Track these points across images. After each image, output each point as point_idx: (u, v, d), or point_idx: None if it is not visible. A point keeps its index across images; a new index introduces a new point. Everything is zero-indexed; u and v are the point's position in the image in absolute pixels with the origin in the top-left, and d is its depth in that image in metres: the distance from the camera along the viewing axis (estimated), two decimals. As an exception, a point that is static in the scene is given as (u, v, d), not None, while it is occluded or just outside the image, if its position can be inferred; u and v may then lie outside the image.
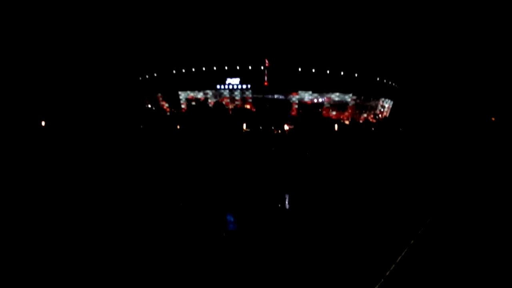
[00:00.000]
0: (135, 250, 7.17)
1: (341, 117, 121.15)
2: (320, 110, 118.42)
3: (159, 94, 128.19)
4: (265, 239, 7.91)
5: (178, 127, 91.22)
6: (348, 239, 8.01)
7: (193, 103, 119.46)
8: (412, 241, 7.02)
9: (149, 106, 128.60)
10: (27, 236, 7.59)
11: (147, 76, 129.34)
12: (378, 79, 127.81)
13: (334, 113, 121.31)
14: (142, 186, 14.78)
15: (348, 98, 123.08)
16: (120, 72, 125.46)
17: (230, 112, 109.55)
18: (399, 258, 6.03)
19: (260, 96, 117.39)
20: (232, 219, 9.99)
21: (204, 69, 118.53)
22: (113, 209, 10.69)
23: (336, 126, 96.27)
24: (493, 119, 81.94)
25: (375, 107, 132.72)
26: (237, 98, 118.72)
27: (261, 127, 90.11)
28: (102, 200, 11.96)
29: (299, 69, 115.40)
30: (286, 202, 12.19)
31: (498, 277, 5.41)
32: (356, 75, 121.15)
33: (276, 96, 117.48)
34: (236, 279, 5.80)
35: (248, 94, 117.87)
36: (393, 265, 5.70)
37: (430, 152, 33.53)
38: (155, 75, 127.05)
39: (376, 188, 14.80)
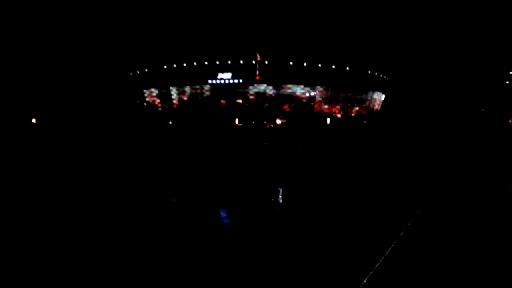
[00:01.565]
0: (127, 247, 7.19)
1: (333, 110, 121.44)
2: (312, 104, 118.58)
3: (151, 90, 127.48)
4: (257, 234, 7.95)
5: (170, 122, 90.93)
6: (338, 232, 8.08)
7: (185, 98, 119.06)
8: (401, 233, 7.11)
9: (140, 101, 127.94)
10: (18, 236, 7.58)
11: (138, 72, 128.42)
12: (369, 72, 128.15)
13: (326, 106, 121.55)
14: (135, 181, 14.75)
15: (340, 91, 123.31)
16: (111, 67, 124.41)
17: (222, 107, 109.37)
18: (388, 251, 6.11)
19: (252, 90, 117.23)
20: (225, 214, 10.03)
21: (195, 64, 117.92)
22: (105, 205, 10.67)
23: (328, 120, 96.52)
24: (482, 110, 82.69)
25: (367, 100, 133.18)
26: (230, 92, 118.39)
27: (253, 122, 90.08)
28: (94, 195, 11.93)
29: (291, 63, 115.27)
30: (280, 196, 12.24)
31: (487, 271, 5.51)
32: (347, 68, 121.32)
33: (268, 91, 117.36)
34: (229, 275, 5.84)
35: (240, 88, 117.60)
36: (383, 257, 5.78)
37: (421, 145, 33.77)
38: (146, 70, 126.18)
39: (368, 181, 14.90)
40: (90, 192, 12.65)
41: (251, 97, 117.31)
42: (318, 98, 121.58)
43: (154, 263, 6.26)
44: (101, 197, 11.92)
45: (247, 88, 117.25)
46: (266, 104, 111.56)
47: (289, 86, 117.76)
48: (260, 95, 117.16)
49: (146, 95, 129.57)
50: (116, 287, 5.24)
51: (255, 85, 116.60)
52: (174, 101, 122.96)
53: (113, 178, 15.89)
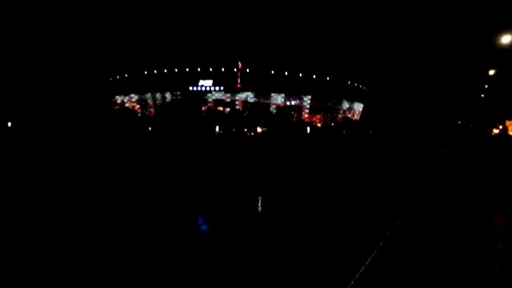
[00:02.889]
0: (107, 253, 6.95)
1: (313, 119, 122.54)
2: (292, 112, 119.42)
3: (130, 95, 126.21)
4: (237, 242, 7.79)
5: (150, 128, 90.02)
6: (320, 238, 7.98)
7: (165, 104, 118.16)
8: (384, 238, 7.06)
9: (119, 107, 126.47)
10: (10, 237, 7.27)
11: (117, 77, 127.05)
12: (349, 82, 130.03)
13: (306, 115, 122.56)
14: (110, 188, 14.41)
15: (320, 101, 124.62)
16: (90, 72, 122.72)
17: (203, 114, 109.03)
18: (374, 252, 6.04)
19: (233, 98, 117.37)
20: (204, 221, 9.82)
21: (176, 70, 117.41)
22: (82, 210, 10.36)
23: (308, 129, 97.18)
24: (459, 122, 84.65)
25: (347, 110, 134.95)
26: (209, 100, 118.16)
27: (234, 129, 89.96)
28: (71, 201, 11.59)
29: (272, 72, 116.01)
30: (259, 205, 12.10)
31: (471, 273, 5.47)
32: (327, 78, 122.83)
33: (249, 99, 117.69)
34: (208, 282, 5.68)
35: (221, 96, 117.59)
36: (369, 259, 5.69)
37: (399, 153, 34.23)
38: (126, 75, 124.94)
39: (347, 188, 14.92)
40: (62, 199, 12.28)
41: (231, 104, 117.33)
42: (298, 107, 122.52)
43: (137, 270, 6.04)
44: (75, 202, 11.58)
45: (228, 95, 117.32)
46: (247, 112, 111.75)
47: (270, 94, 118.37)
48: (241, 103, 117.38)
49: (125, 101, 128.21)
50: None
51: (236, 93, 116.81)
52: (154, 108, 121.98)
53: (90, 182, 15.51)
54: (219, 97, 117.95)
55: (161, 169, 20.81)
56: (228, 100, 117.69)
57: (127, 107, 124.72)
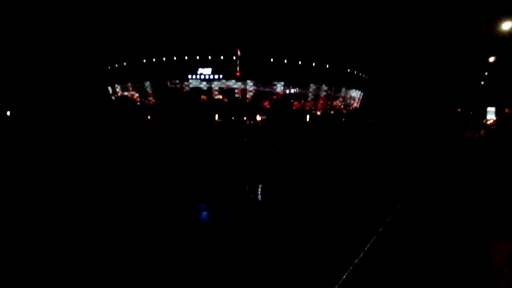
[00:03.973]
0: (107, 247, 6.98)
1: (313, 108, 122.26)
2: (292, 101, 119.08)
3: (129, 84, 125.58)
4: (237, 231, 7.82)
5: (149, 117, 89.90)
6: (317, 227, 8.02)
7: (164, 93, 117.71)
8: (380, 229, 7.08)
9: (118, 96, 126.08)
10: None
11: (116, 65, 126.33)
12: (348, 70, 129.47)
13: (305, 104, 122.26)
14: (111, 178, 14.43)
15: (320, 89, 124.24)
16: (89, 60, 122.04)
17: (202, 103, 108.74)
18: (367, 246, 6.06)
19: (233, 86, 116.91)
20: (204, 210, 9.85)
21: (175, 58, 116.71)
22: (82, 204, 10.39)
23: (308, 117, 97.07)
24: (459, 110, 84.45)
25: (346, 98, 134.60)
26: (210, 88, 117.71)
27: (233, 118, 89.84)
28: (70, 195, 11.61)
29: (271, 60, 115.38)
30: (259, 193, 12.14)
31: (467, 268, 5.49)
32: (327, 66, 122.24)
33: (248, 87, 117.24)
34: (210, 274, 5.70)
35: (220, 84, 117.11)
36: (362, 253, 5.71)
37: (398, 142, 34.24)
38: (125, 64, 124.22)
39: (346, 177, 14.95)
40: (66, 189, 12.31)
41: (231, 93, 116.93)
42: (298, 95, 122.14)
43: (137, 263, 6.06)
44: (79, 195, 11.60)
45: (228, 84, 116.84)
46: (246, 101, 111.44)
47: (269, 82, 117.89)
48: (240, 91, 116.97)
49: (124, 89, 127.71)
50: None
51: (235, 81, 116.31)
52: (153, 96, 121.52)
53: (91, 174, 15.53)
54: (218, 86, 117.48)
55: (161, 158, 20.82)
56: (227, 88, 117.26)
57: (126, 96, 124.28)
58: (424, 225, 7.55)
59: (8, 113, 76.62)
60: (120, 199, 10.66)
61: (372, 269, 5.19)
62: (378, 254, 5.75)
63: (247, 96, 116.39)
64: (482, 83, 59.36)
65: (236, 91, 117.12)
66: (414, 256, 5.78)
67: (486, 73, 54.04)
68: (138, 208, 9.61)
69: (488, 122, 32.40)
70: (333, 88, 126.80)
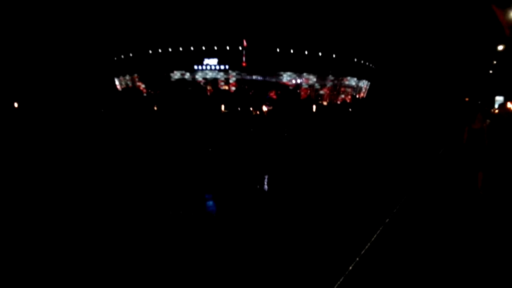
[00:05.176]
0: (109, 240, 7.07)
1: (319, 98, 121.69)
2: (298, 91, 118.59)
3: (135, 75, 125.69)
4: (244, 222, 7.89)
5: (156, 108, 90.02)
6: (324, 218, 8.06)
7: (170, 83, 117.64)
8: (387, 220, 7.11)
9: (125, 87, 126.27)
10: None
11: (122, 57, 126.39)
12: (355, 60, 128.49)
13: (312, 94, 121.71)
14: (119, 169, 14.54)
15: (326, 79, 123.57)
16: (95, 52, 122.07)
17: (209, 93, 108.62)
18: (374, 237, 6.10)
19: (239, 77, 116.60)
20: (211, 201, 9.94)
21: (181, 49, 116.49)
22: (88, 197, 10.51)
23: (314, 107, 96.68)
24: (467, 99, 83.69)
25: (353, 88, 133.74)
26: (216, 78, 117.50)
27: (239, 108, 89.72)
28: (76, 187, 11.74)
29: (277, 50, 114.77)
30: (265, 183, 12.20)
31: (475, 261, 5.51)
32: (334, 56, 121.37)
33: (254, 77, 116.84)
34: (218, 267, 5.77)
35: (226, 75, 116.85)
36: (368, 244, 5.76)
37: (405, 132, 34.08)
38: (131, 55, 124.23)
39: (353, 168, 14.95)
40: (72, 183, 12.44)
41: (237, 83, 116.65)
42: (305, 85, 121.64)
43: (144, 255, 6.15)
44: (84, 187, 11.73)
45: (234, 74, 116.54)
46: (252, 91, 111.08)
47: (276, 73, 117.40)
48: (246, 81, 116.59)
49: (130, 80, 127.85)
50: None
51: (241, 71, 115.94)
52: (159, 87, 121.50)
53: (98, 165, 15.66)
54: (224, 76, 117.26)
55: (167, 148, 20.91)
56: (233, 78, 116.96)
57: (133, 87, 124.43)
58: (431, 220, 7.52)
59: (16, 104, 77.13)
60: (127, 189, 10.76)
61: (378, 260, 5.23)
62: (384, 245, 5.79)
63: (253, 86, 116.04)
64: (491, 72, 58.69)
65: (242, 81, 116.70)
66: (418, 250, 5.79)
67: (495, 62, 53.36)
68: (145, 199, 9.69)
69: (496, 112, 32.14)
70: (340, 78, 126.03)
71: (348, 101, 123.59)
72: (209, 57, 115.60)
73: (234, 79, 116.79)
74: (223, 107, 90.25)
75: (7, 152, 18.50)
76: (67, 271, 5.38)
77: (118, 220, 7.91)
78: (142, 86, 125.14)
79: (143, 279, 5.06)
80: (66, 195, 10.08)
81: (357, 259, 5.17)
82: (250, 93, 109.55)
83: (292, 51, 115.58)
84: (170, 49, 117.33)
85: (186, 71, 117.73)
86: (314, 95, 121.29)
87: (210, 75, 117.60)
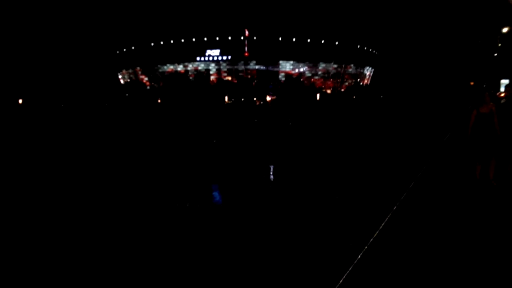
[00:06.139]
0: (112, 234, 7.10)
1: (323, 86, 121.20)
2: (301, 79, 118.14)
3: (138, 68, 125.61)
4: (250, 213, 7.90)
5: (159, 100, 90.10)
6: (333, 205, 8.06)
7: (173, 75, 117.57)
8: (395, 207, 7.10)
9: (128, 80, 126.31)
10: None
11: (124, 50, 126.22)
12: (358, 46, 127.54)
13: (316, 82, 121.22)
14: (123, 161, 14.59)
15: (330, 66, 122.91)
16: (97, 45, 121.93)
17: (212, 84, 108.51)
18: (389, 216, 6.09)
19: (241, 67, 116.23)
20: (216, 192, 9.97)
21: (183, 41, 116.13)
22: (91, 191, 10.54)
23: (318, 95, 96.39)
24: (471, 83, 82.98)
25: (357, 75, 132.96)
26: (219, 69, 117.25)
27: (243, 99, 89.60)
28: (78, 182, 11.78)
29: (280, 39, 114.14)
30: (271, 174, 12.20)
31: (487, 247, 5.49)
32: (336, 43, 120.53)
33: (257, 67, 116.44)
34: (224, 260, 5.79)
35: (229, 65, 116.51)
36: (383, 223, 5.76)
37: (410, 118, 33.92)
38: (133, 48, 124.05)
39: (360, 154, 14.93)
40: (75, 177, 12.49)
41: (240, 73, 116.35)
42: (308, 74, 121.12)
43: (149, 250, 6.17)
44: (87, 182, 11.77)
45: (236, 64, 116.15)
46: (255, 81, 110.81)
47: (278, 62, 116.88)
48: (249, 71, 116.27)
49: (133, 73, 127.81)
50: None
51: (244, 61, 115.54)
52: (162, 79, 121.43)
53: (102, 158, 15.70)
54: (227, 67, 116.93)
55: (171, 140, 20.94)
56: (236, 69, 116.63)
57: (136, 80, 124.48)
58: (439, 214, 7.45)
59: (20, 101, 77.44)
60: (133, 182, 10.80)
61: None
62: (388, 239, 5.74)
63: (256, 76, 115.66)
64: (496, 54, 58.07)
65: (245, 71, 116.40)
66: (423, 246, 5.75)
67: (500, 44, 52.80)
68: (151, 191, 9.73)
69: (502, 95, 31.90)
70: (343, 65, 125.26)
71: (352, 88, 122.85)
72: (211, 48, 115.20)
73: (237, 69, 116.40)
74: (226, 98, 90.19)
75: (12, 148, 18.60)
76: (71, 261, 5.42)
77: (124, 214, 7.93)
78: (145, 79, 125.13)
79: (149, 272, 5.10)
80: (70, 188, 10.13)
81: (364, 249, 5.18)
82: (253, 83, 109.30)
83: (294, 39, 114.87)
84: (172, 41, 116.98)
85: (189, 62, 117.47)
86: (317, 83, 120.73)
87: (212, 66, 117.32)
